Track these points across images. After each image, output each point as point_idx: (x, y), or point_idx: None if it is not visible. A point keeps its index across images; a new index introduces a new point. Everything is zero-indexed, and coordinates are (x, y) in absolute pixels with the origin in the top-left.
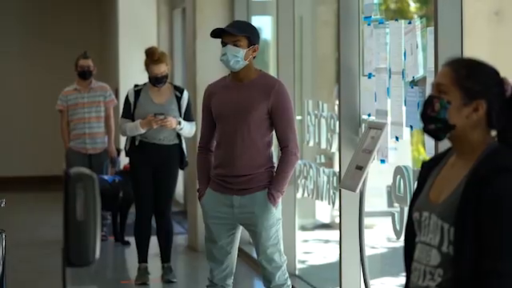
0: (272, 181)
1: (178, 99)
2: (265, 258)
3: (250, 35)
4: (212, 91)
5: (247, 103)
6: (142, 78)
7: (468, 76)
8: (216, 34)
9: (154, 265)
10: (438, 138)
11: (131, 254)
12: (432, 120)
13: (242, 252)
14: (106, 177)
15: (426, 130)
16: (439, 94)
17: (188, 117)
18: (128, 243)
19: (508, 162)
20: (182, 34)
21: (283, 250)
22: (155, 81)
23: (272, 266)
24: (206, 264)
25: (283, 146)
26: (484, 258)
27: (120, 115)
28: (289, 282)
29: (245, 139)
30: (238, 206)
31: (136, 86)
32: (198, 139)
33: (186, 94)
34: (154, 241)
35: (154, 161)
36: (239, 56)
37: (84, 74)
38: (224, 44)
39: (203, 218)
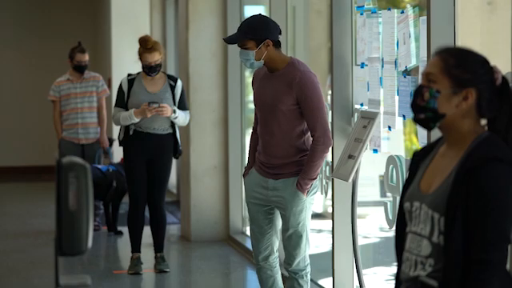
0: (302, 169)
1: (172, 88)
2: (289, 241)
3: (254, 35)
4: (255, 77)
5: (274, 96)
6: (135, 67)
7: (457, 65)
8: (228, 42)
9: (147, 255)
10: (428, 127)
11: (124, 243)
12: (422, 109)
13: (233, 241)
14: (99, 166)
15: (416, 120)
16: (429, 83)
17: (182, 106)
18: (121, 233)
19: (497, 152)
20: (174, 23)
21: (309, 238)
22: (148, 69)
23: (296, 250)
24: (198, 254)
25: (312, 135)
26: (473, 248)
27: (113, 105)
28: (308, 269)
29: (275, 130)
30: (271, 189)
31: (129, 75)
32: (190, 128)
33: (179, 83)
34: (146, 231)
35: (148, 150)
36: (250, 58)
37: (80, 69)
38: (239, 46)
39: (245, 197)
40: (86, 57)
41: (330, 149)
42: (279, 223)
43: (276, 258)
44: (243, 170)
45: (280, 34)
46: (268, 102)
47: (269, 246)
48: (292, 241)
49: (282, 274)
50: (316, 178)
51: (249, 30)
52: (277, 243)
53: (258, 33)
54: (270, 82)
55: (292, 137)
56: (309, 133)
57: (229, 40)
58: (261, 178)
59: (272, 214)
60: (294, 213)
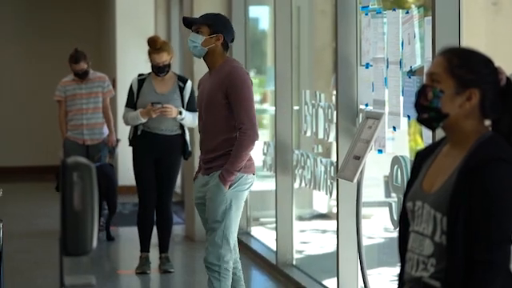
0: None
1: (181, 89)
2: (208, 233)
3: (213, 23)
4: (201, 83)
5: (209, 93)
6: (140, 67)
7: (461, 65)
8: (185, 23)
9: (152, 255)
10: (431, 127)
11: (128, 243)
12: (425, 109)
13: (239, 242)
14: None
15: (419, 120)
16: (432, 83)
17: (191, 107)
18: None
19: (500, 152)
20: (179, 23)
21: (229, 236)
22: (157, 70)
23: (211, 243)
24: (203, 254)
25: (238, 128)
26: (475, 248)
27: (118, 105)
28: (225, 266)
29: (210, 126)
30: (205, 184)
31: (140, 75)
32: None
33: (189, 84)
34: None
35: (156, 151)
36: (197, 42)
37: (80, 76)
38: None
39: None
40: (81, 65)
41: (256, 143)
42: None
43: (237, 263)
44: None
45: (232, 41)
46: (204, 99)
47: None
48: (208, 233)
49: None
50: (239, 171)
51: (210, 18)
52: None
53: (216, 24)
54: (208, 81)
55: (224, 131)
56: None
57: (187, 21)
58: (201, 177)
59: None
60: (213, 204)
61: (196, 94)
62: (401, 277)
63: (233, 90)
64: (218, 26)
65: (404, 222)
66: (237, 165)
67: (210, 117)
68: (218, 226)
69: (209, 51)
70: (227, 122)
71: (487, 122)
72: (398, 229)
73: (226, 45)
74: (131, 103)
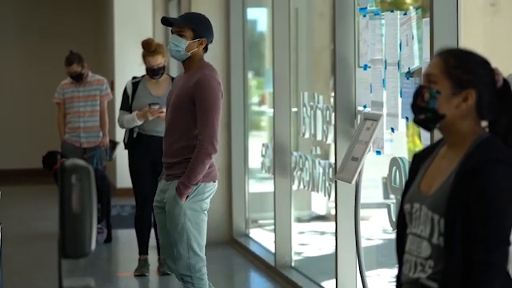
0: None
1: None
2: (174, 245)
3: (196, 27)
4: (174, 84)
5: (179, 94)
6: (138, 70)
7: (457, 66)
8: (166, 23)
9: (150, 257)
10: (428, 128)
11: (127, 246)
12: (422, 110)
13: (237, 244)
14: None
15: (416, 121)
16: (429, 84)
17: None
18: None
19: (497, 153)
20: None
21: (194, 247)
22: (152, 72)
23: (178, 255)
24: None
25: (198, 139)
26: (473, 250)
27: (116, 108)
28: (197, 276)
29: (175, 129)
30: (164, 190)
31: (134, 78)
32: None
33: None
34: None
35: (152, 153)
36: (180, 46)
37: (74, 79)
38: (172, 32)
39: None
40: (74, 68)
41: (214, 157)
42: None
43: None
44: (245, 173)
45: (211, 42)
46: (173, 100)
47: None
48: (174, 245)
49: None
50: (196, 185)
51: (193, 20)
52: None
53: (200, 28)
54: (180, 83)
55: (185, 137)
56: None
57: (168, 21)
58: (163, 183)
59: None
60: (171, 217)
61: None
62: (398, 278)
63: (199, 97)
64: (201, 30)
65: (402, 223)
66: (193, 179)
67: (173, 119)
68: (180, 238)
69: (191, 56)
70: (189, 128)
71: (484, 123)
72: (395, 230)
73: (207, 48)
74: (126, 106)
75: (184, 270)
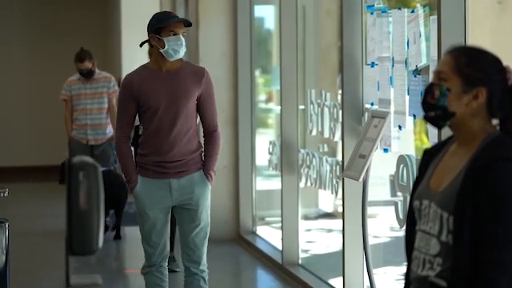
0: (206, 161)
1: None
2: (198, 239)
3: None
4: (135, 80)
5: (183, 91)
6: None
7: (468, 63)
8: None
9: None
10: (438, 125)
11: (134, 243)
12: (432, 107)
13: (244, 241)
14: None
15: (426, 118)
16: (439, 81)
17: None
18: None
19: (507, 151)
20: None
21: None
22: None
23: (203, 247)
24: (208, 253)
25: (213, 130)
26: (482, 248)
27: None
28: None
29: (181, 126)
30: (176, 189)
31: None
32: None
33: None
34: None
35: None
36: (184, 45)
37: (85, 75)
38: (175, 33)
39: (137, 207)
40: (86, 64)
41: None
42: (169, 223)
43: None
44: (252, 171)
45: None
46: (174, 98)
47: (164, 249)
48: (200, 237)
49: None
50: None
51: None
52: (168, 244)
53: None
54: (172, 80)
55: (192, 131)
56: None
57: (188, 22)
58: (159, 181)
59: (167, 214)
60: (205, 207)
61: None
62: (407, 276)
63: (209, 94)
64: None
65: (411, 220)
66: (216, 164)
67: (181, 118)
68: (208, 227)
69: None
70: (193, 121)
71: (495, 121)
72: (404, 227)
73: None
74: None
75: (204, 265)
